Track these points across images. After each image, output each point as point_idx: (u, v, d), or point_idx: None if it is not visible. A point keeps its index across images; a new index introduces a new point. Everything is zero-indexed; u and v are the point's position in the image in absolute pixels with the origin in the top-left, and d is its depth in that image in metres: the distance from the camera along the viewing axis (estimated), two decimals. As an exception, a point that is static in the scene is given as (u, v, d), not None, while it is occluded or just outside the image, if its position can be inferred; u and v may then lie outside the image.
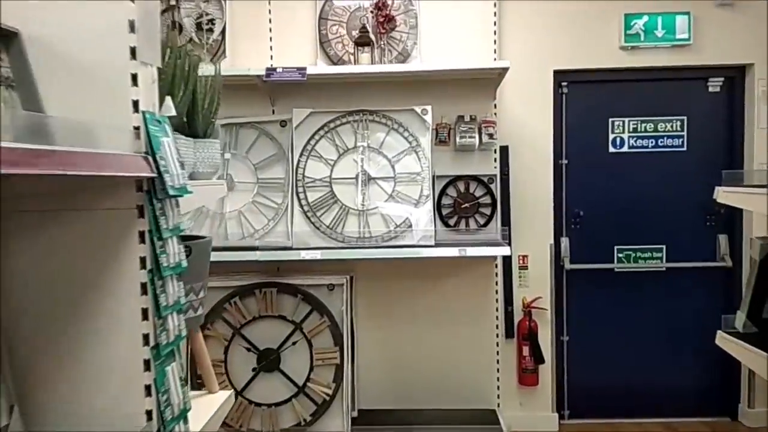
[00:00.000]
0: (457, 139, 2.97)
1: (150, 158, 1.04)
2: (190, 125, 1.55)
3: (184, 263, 1.19)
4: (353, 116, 2.92)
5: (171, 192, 1.08)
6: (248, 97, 3.12)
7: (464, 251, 2.71)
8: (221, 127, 2.99)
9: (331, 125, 2.92)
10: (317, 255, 2.74)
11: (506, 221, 3.09)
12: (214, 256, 2.81)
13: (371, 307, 3.16)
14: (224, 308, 2.96)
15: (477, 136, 2.96)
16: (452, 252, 2.72)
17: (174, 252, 1.14)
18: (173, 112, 1.27)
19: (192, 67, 1.48)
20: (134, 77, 1.02)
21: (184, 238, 1.78)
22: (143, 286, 1.03)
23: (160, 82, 1.25)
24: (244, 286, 2.96)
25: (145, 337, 1.03)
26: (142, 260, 1.03)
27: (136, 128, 1.02)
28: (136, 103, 1.03)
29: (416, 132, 2.89)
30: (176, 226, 1.17)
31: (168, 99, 1.26)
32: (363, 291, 3.15)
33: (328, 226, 2.83)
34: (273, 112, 3.12)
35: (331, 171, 2.88)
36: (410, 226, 2.81)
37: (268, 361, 2.94)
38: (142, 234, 1.04)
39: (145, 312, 1.03)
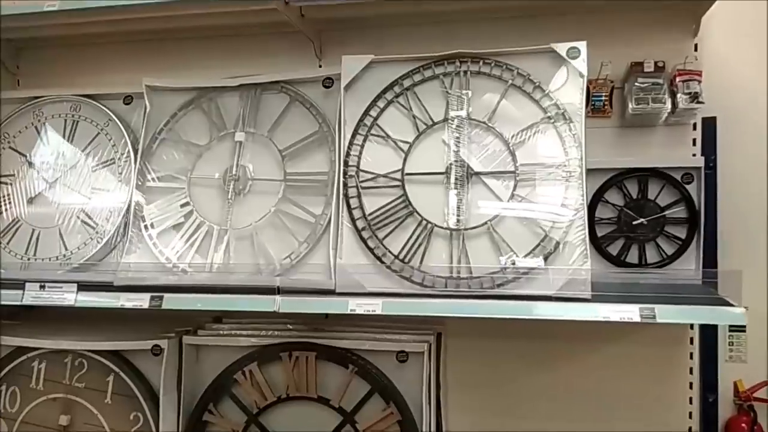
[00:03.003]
0: (630, 105, 1.68)
1: None
2: None
3: None
4: (443, 65, 1.70)
5: None
6: (284, 47, 2.01)
7: (651, 312, 1.42)
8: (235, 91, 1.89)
9: (406, 83, 1.71)
10: (376, 307, 1.55)
11: (711, 251, 1.76)
12: (207, 302, 1.67)
13: (471, 387, 1.94)
14: (234, 380, 1.85)
15: (668, 97, 1.66)
16: (626, 312, 1.44)
17: None
18: None
19: None
20: None
21: None
22: None
23: None
24: (266, 348, 1.84)
25: None
26: None
27: None
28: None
29: (557, 91, 1.62)
30: None
31: None
32: (457, 360, 1.93)
33: (396, 257, 1.63)
34: (320, 66, 1.98)
35: (404, 161, 1.67)
36: (544, 259, 1.55)
37: (301, 471, 1.82)
38: None
39: None
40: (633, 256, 1.76)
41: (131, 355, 1.90)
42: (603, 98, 1.77)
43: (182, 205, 1.84)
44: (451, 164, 1.64)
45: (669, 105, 1.67)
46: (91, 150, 1.98)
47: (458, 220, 1.61)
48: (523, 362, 1.91)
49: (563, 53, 1.59)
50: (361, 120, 1.71)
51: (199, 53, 2.07)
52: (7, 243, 1.96)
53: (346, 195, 1.68)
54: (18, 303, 1.77)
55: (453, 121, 1.66)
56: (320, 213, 1.73)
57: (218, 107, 1.89)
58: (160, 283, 1.72)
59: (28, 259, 1.93)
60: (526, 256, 1.57)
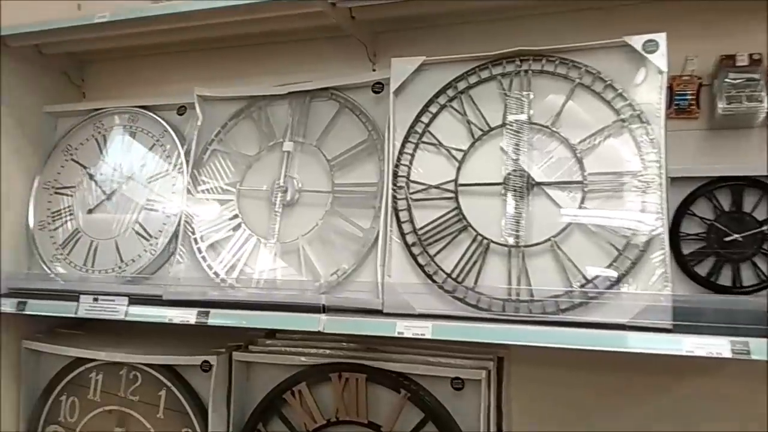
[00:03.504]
0: (720, 104, 1.47)
1: None
2: None
3: None
4: (502, 65, 1.55)
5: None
6: (338, 52, 1.93)
7: (745, 347, 1.21)
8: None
9: (460, 85, 1.57)
10: (425, 330, 1.42)
11: (822, 271, 1.51)
12: (252, 319, 1.58)
13: (536, 419, 1.76)
14: (284, 400, 1.77)
15: (765, 95, 1.43)
16: (714, 346, 1.23)
17: None
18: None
19: None
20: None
21: None
22: None
23: None
24: (314, 368, 1.75)
25: None
26: None
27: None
28: None
29: (631, 90, 1.43)
30: None
31: None
32: (521, 389, 1.76)
33: (449, 275, 1.49)
34: (373, 70, 1.88)
35: (458, 171, 1.54)
36: (616, 282, 1.37)
37: (350, 501, 1.71)
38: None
39: None
40: (725, 278, 1.53)
41: (183, 369, 1.86)
42: (688, 97, 1.56)
43: (231, 218, 1.78)
44: (509, 174, 1.48)
45: (766, 104, 1.44)
46: (147, 161, 1.97)
47: (517, 236, 1.46)
48: (595, 395, 1.72)
49: (639, 47, 1.40)
50: (411, 127, 1.58)
51: (251, 62, 2.02)
52: (68, 254, 1.98)
53: (395, 208, 1.56)
54: (73, 315, 1.77)
55: (512, 125, 1.51)
56: (368, 227, 1.62)
57: (268, 116, 1.82)
58: (206, 299, 1.67)
59: (86, 271, 1.94)
60: (596, 277, 1.39)
